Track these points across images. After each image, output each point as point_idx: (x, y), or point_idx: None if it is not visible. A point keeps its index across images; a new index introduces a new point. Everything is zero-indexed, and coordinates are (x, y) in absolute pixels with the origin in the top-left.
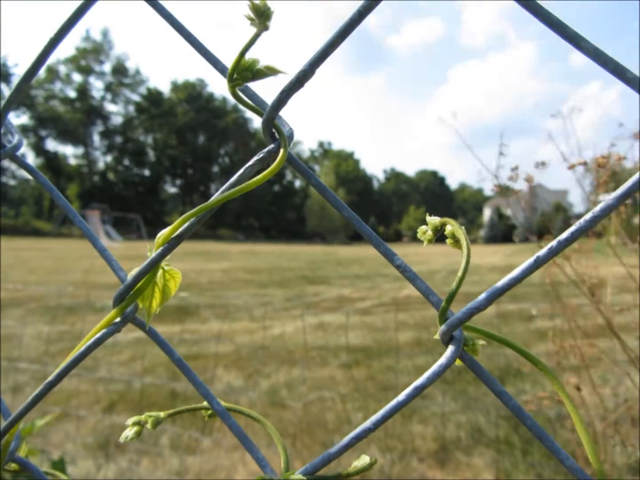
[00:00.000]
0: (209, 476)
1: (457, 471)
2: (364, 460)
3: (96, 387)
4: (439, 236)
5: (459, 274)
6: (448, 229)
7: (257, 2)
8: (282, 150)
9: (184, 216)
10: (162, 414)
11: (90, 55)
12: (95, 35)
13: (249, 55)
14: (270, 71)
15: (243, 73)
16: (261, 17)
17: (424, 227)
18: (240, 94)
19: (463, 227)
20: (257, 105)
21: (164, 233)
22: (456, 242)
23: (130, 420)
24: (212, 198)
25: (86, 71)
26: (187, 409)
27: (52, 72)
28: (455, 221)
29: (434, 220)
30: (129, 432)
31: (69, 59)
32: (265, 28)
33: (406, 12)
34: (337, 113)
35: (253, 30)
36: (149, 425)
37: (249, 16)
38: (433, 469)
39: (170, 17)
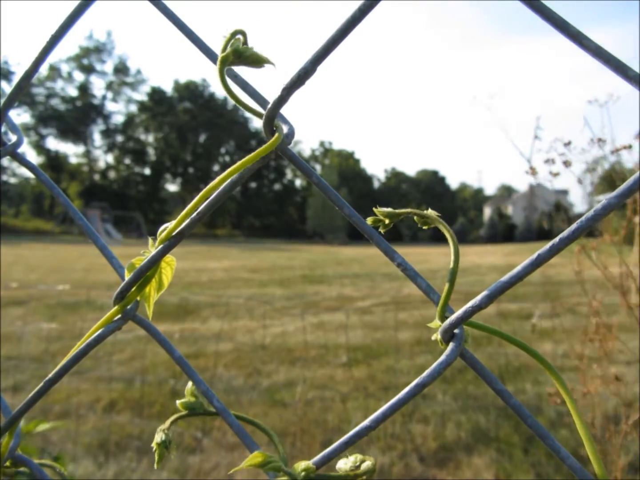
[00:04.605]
0: (209, 475)
1: (457, 471)
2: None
3: (96, 385)
4: (440, 236)
5: (451, 266)
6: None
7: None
8: (276, 134)
9: (183, 212)
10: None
11: (92, 54)
12: (98, 34)
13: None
14: (252, 60)
15: (232, 54)
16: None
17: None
18: (229, 80)
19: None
20: (251, 95)
21: (164, 228)
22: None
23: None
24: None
25: (88, 70)
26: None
27: (54, 71)
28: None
29: (384, 210)
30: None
31: (70, 57)
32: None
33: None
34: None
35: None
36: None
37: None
38: (433, 469)
39: (172, 15)
